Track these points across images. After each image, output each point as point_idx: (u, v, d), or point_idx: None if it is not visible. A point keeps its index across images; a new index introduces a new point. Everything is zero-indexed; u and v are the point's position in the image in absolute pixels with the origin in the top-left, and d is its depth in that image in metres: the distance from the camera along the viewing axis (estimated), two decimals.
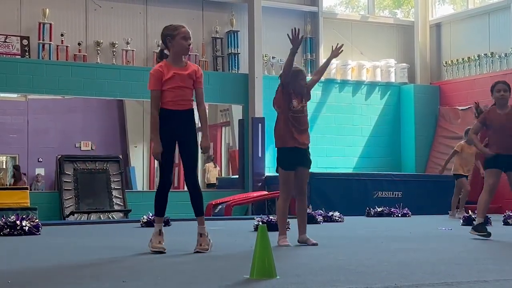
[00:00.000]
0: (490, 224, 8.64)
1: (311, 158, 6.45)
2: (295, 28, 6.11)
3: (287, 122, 6.27)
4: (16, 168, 14.56)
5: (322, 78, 15.41)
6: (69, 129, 16.44)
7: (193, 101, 5.60)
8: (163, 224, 5.73)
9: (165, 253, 5.27)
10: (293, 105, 6.25)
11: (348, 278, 3.75)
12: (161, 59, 5.66)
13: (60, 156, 13.28)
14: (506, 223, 9.38)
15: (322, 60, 15.63)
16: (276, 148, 6.50)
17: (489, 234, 6.63)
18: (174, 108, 5.48)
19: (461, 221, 9.36)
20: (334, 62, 15.69)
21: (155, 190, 5.69)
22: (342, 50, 6.70)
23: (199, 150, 5.62)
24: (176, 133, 5.47)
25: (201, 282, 3.67)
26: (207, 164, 15.78)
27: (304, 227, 6.23)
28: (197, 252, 5.36)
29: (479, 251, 5.58)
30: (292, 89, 6.29)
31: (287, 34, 6.13)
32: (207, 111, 17.05)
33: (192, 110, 5.58)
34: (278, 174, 6.49)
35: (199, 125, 5.80)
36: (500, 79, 15.87)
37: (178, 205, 9.56)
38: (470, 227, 8.19)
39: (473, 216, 9.06)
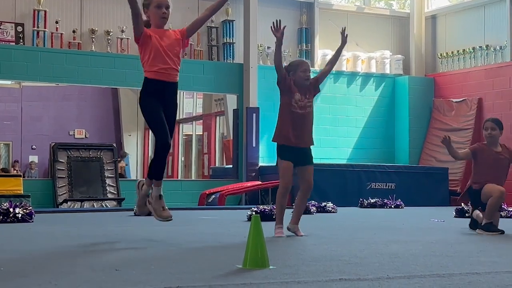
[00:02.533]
0: None
1: (312, 154, 6.35)
2: (276, 20, 6.05)
3: (287, 118, 6.10)
4: (4, 171, 14.36)
5: (317, 69, 15.44)
6: (63, 116, 16.44)
7: (178, 73, 5.45)
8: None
9: (172, 219, 5.16)
10: (295, 99, 6.11)
11: (341, 269, 3.76)
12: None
13: (54, 143, 13.26)
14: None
15: (318, 51, 15.63)
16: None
17: (502, 232, 6.60)
18: (162, 79, 5.28)
19: (454, 213, 9.40)
20: (330, 53, 15.67)
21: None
22: (347, 34, 6.58)
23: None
24: (162, 99, 5.31)
25: (194, 271, 3.68)
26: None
27: (298, 218, 6.23)
28: (168, 218, 5.29)
29: (471, 243, 5.60)
30: (293, 82, 6.15)
31: (270, 27, 6.09)
32: (201, 101, 16.91)
33: (177, 83, 5.43)
34: (276, 165, 6.44)
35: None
36: (495, 72, 15.94)
37: (171, 194, 9.58)
38: (463, 219, 8.25)
39: (466, 209, 9.11)
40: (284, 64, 6.33)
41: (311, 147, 6.38)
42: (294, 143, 6.13)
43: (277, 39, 6.00)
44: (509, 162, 6.79)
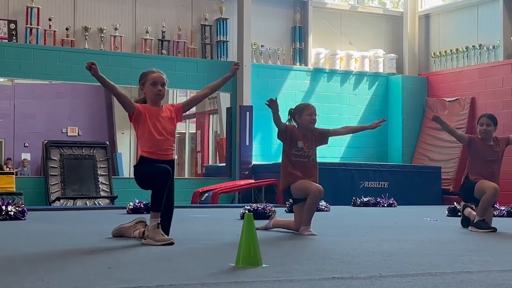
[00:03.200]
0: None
1: None
2: (270, 99, 6.04)
3: (290, 165, 6.13)
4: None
5: (311, 67, 15.48)
6: (56, 114, 16.38)
7: (174, 150, 5.41)
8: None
9: (173, 243, 5.05)
10: (298, 147, 6.10)
11: (333, 268, 3.77)
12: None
13: (46, 141, 13.23)
14: None
15: (311, 50, 15.63)
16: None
17: (495, 229, 6.61)
18: (158, 158, 5.25)
19: (446, 212, 9.42)
20: (323, 51, 15.70)
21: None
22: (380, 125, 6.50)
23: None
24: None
25: (187, 269, 3.68)
26: None
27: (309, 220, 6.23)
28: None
29: (463, 242, 5.61)
30: (298, 126, 6.17)
31: (265, 103, 6.08)
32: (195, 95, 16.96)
33: (173, 161, 5.40)
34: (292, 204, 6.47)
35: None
36: (488, 72, 16.01)
37: None
38: (455, 218, 8.27)
39: (458, 208, 9.13)
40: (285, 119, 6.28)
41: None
42: (302, 177, 6.14)
43: (272, 111, 6.00)
44: (502, 152, 6.85)
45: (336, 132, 6.53)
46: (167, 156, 5.34)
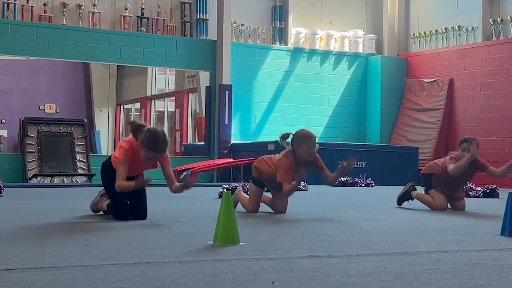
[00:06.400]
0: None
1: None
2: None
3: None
4: None
5: (291, 47, 15.45)
6: (33, 91, 16.24)
7: None
8: None
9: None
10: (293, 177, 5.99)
11: (311, 246, 3.79)
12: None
13: (23, 118, 13.10)
14: (466, 195, 9.52)
15: (291, 29, 15.58)
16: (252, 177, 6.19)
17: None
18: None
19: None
20: (303, 31, 15.67)
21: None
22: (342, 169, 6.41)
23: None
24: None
25: (164, 247, 3.68)
26: None
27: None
28: None
29: (439, 222, 5.67)
30: (294, 156, 5.98)
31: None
32: (174, 77, 16.87)
33: None
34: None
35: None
36: (467, 53, 16.01)
37: None
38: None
39: None
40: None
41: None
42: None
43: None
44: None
45: (318, 169, 6.50)
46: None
